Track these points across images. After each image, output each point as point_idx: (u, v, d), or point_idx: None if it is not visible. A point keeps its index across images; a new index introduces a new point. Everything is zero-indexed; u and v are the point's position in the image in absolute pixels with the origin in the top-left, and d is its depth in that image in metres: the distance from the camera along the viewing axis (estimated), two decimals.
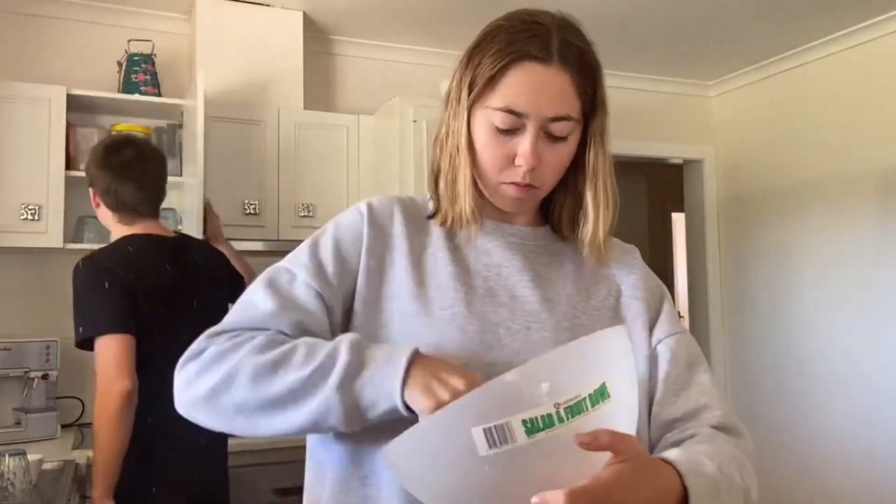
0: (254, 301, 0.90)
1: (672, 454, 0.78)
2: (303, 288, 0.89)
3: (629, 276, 1.01)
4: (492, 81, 0.88)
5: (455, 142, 0.93)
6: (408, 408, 0.77)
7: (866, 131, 3.50)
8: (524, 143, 0.88)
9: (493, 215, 0.98)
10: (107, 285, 1.82)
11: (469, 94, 0.90)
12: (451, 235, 0.97)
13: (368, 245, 0.94)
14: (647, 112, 4.19)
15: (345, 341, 0.82)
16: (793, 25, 3.48)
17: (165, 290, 1.92)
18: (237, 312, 0.91)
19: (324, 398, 0.79)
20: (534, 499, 0.64)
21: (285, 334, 0.87)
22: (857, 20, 3.43)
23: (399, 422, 0.76)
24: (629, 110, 4.06)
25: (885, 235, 3.40)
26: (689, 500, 0.73)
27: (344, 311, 0.92)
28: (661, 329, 0.98)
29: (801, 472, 3.75)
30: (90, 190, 1.99)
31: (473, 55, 0.91)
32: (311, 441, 0.97)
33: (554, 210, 1.00)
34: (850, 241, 3.55)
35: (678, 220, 6.05)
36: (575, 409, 0.65)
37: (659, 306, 1.00)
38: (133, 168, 1.96)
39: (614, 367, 0.70)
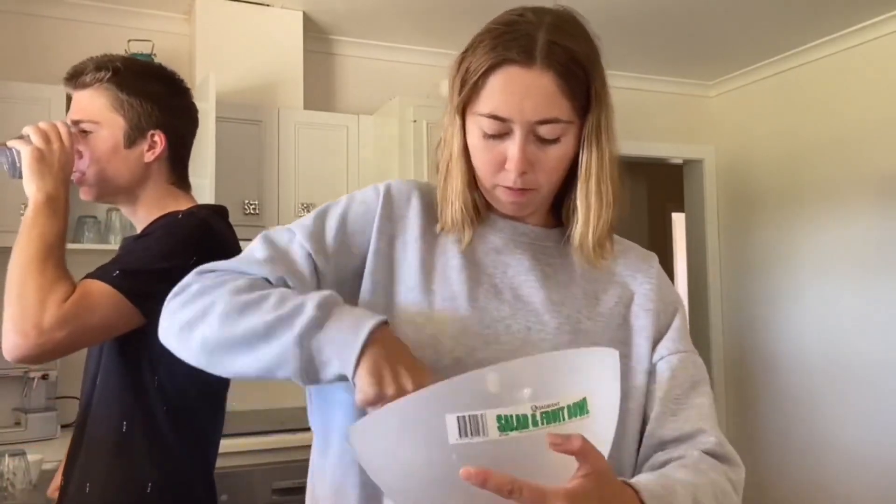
0: (250, 250, 0.91)
1: (642, 479, 0.76)
2: (297, 247, 0.90)
3: (643, 285, 0.99)
4: (476, 87, 0.87)
5: (449, 148, 0.93)
6: None
7: (866, 131, 3.50)
8: (512, 148, 0.86)
9: (504, 214, 0.96)
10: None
11: (459, 101, 0.89)
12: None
13: (380, 225, 0.93)
14: (647, 112, 4.19)
15: (315, 297, 0.80)
16: (793, 25, 3.48)
17: None
18: (234, 258, 0.92)
19: (282, 347, 0.78)
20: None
21: (269, 282, 0.87)
22: (857, 20, 3.43)
23: None
24: (629, 110, 4.06)
25: (885, 235, 3.40)
26: None
27: (340, 282, 0.91)
28: (665, 346, 0.95)
29: (801, 471, 3.75)
30: (150, 134, 1.38)
31: (463, 60, 0.90)
32: (316, 418, 0.97)
33: (562, 210, 0.98)
34: (851, 241, 3.55)
35: (678, 220, 6.04)
36: (551, 416, 0.65)
37: (669, 321, 0.97)
38: (196, 113, 1.49)
39: (599, 386, 0.70)
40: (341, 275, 0.91)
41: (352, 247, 0.92)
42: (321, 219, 0.93)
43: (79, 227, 2.86)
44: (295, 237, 0.91)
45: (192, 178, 1.50)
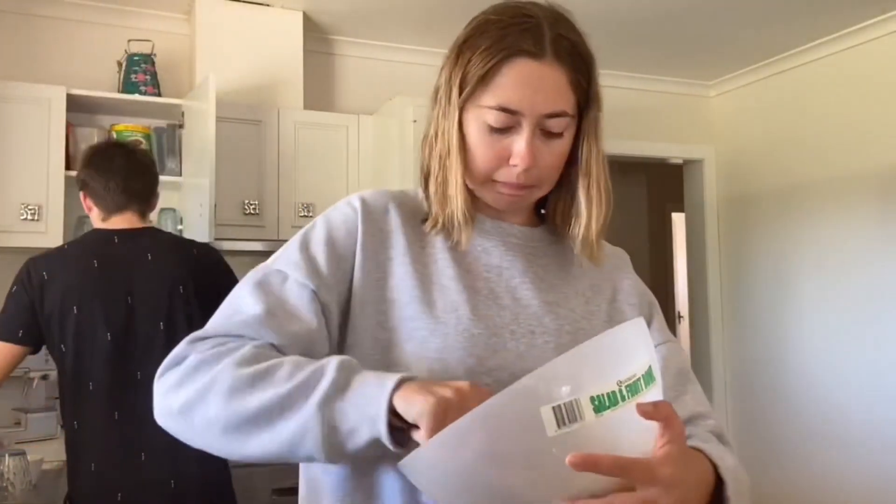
0: (241, 304, 0.83)
1: (697, 444, 0.78)
2: (296, 288, 0.83)
3: (623, 281, 1.01)
4: (484, 79, 0.84)
5: (446, 142, 0.89)
6: (393, 440, 0.69)
7: (866, 131, 3.50)
8: (519, 143, 0.84)
9: (489, 213, 0.95)
10: (14, 288, 1.83)
11: (460, 93, 0.86)
12: (447, 235, 0.92)
13: (363, 242, 0.88)
14: (647, 112, 4.19)
15: (335, 359, 0.74)
16: (793, 25, 3.48)
17: (84, 286, 1.82)
18: (223, 315, 0.83)
19: (302, 419, 0.71)
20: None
21: (274, 346, 0.79)
22: (856, 20, 3.43)
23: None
24: (629, 110, 4.06)
25: (885, 235, 3.40)
26: (726, 488, 0.74)
27: (340, 309, 0.86)
28: (653, 336, 0.96)
29: (800, 471, 3.75)
30: (81, 194, 1.98)
31: (462, 51, 0.86)
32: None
33: (549, 208, 0.97)
34: (850, 241, 3.55)
35: (678, 220, 6.05)
36: (633, 388, 0.65)
37: (650, 314, 1.00)
38: (116, 163, 1.96)
39: (652, 354, 0.71)
40: (342, 301, 0.86)
41: (345, 271, 0.87)
42: (306, 250, 0.87)
43: (78, 227, 2.85)
44: (289, 277, 0.84)
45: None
